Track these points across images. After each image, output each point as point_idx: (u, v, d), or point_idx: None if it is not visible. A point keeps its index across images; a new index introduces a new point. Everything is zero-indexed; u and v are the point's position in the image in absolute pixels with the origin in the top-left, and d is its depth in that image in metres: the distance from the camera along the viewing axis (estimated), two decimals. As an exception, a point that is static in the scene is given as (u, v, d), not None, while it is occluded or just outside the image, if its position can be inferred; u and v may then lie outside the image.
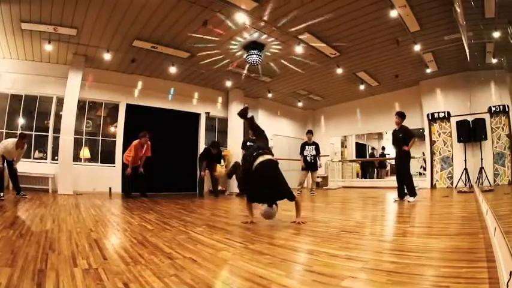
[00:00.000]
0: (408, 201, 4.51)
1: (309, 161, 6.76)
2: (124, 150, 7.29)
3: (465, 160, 7.24)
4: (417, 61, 6.90)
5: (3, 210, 3.36)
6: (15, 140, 5.09)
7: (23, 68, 6.56)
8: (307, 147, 6.84)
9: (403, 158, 4.86)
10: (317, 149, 6.79)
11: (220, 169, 8.06)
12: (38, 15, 4.91)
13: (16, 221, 2.70)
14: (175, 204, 4.74)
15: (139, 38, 5.75)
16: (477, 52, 6.03)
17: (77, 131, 6.82)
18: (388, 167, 12.67)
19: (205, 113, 8.84)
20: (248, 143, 6.74)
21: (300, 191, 6.85)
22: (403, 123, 4.98)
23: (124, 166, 7.21)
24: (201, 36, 5.62)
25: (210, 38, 5.70)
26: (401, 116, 4.96)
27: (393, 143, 5.26)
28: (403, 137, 4.84)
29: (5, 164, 5.11)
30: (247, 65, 6.78)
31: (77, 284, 1.18)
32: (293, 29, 5.42)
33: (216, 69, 7.36)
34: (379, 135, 13.70)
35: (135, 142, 6.17)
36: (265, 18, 5.06)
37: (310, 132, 7.12)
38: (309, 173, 6.99)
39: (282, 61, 6.88)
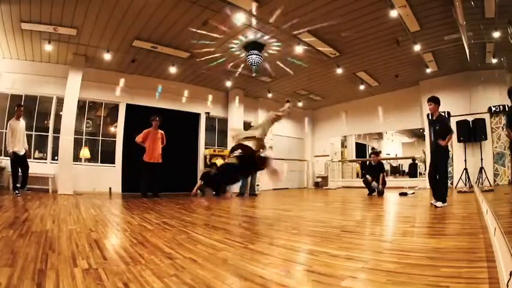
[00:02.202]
0: (436, 206, 3.74)
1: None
2: (124, 150, 7.32)
3: (465, 160, 7.25)
4: (417, 61, 6.90)
5: (3, 210, 3.36)
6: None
7: (23, 68, 6.56)
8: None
9: (441, 154, 4.02)
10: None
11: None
12: (38, 15, 4.91)
13: (16, 221, 2.69)
14: (176, 204, 4.74)
15: (139, 38, 5.75)
16: (477, 52, 6.04)
17: (77, 131, 6.82)
18: (388, 167, 12.69)
19: (205, 113, 8.84)
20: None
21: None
22: (440, 111, 4.11)
23: (125, 165, 7.25)
24: (204, 33, 5.60)
25: (212, 35, 5.68)
26: (435, 101, 4.01)
27: (430, 135, 4.46)
28: (440, 129, 4.04)
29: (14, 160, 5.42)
30: (243, 64, 6.78)
31: (77, 284, 1.18)
32: (292, 28, 5.42)
33: (216, 69, 7.35)
34: (379, 135, 13.71)
35: (147, 130, 6.06)
36: (264, 17, 5.07)
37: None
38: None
39: (285, 59, 6.86)
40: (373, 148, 13.76)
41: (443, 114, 4.28)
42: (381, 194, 6.12)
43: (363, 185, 6.70)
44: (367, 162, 6.77)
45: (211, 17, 5.01)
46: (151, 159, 6.01)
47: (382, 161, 7.02)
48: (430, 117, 4.41)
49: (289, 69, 7.31)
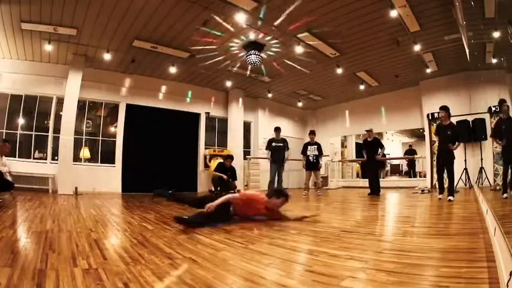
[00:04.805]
0: (449, 200, 4.40)
1: (311, 161, 6.81)
2: (124, 150, 7.32)
3: (465, 160, 7.24)
4: (417, 61, 6.90)
5: (3, 210, 3.36)
6: None
7: (23, 68, 6.56)
8: (309, 147, 6.90)
9: (450, 157, 4.64)
10: (319, 149, 6.84)
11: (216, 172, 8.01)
12: (38, 15, 4.91)
13: (16, 221, 2.70)
14: (176, 204, 4.73)
15: (139, 38, 5.75)
16: (477, 52, 6.03)
17: (77, 131, 6.82)
18: (388, 167, 12.69)
19: (205, 113, 8.84)
20: (273, 144, 6.74)
21: (306, 192, 6.82)
22: (451, 119, 4.81)
23: (125, 165, 7.20)
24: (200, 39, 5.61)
25: (209, 39, 5.70)
26: (446, 109, 4.72)
27: (438, 138, 5.02)
28: (452, 135, 4.65)
29: None
30: (249, 66, 6.77)
31: (77, 284, 1.18)
32: (293, 29, 5.42)
33: (216, 69, 7.35)
34: (379, 135, 13.70)
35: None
36: (264, 18, 5.07)
37: (312, 132, 7.13)
38: (312, 173, 7.05)
39: (286, 59, 6.87)
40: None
41: (453, 122, 4.85)
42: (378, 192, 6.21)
43: (364, 185, 6.72)
44: (364, 139, 6.86)
45: (211, 17, 5.01)
46: None
47: (380, 140, 7.02)
48: (441, 123, 4.97)
49: (290, 69, 7.32)
